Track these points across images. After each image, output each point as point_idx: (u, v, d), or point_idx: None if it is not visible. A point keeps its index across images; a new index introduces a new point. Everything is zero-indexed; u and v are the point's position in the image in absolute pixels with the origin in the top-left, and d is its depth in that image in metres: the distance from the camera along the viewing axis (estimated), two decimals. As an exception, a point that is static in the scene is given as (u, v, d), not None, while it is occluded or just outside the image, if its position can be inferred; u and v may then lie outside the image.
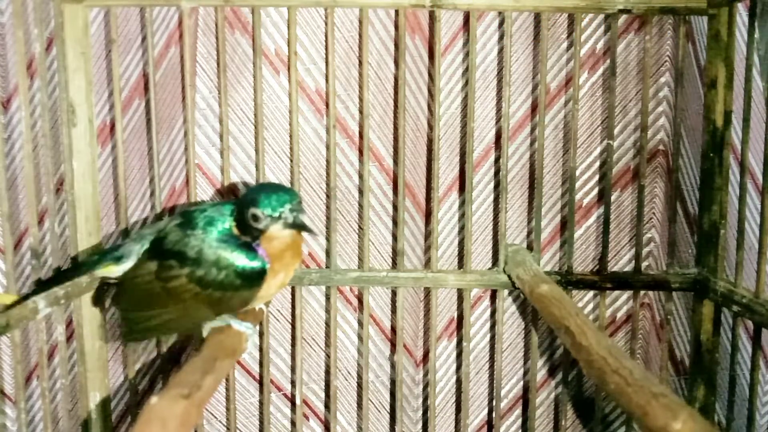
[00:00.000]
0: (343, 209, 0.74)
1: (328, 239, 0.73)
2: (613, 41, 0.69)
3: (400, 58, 0.69)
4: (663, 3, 0.67)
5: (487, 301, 0.77)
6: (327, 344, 0.76)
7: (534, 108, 0.74)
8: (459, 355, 0.78)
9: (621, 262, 0.77)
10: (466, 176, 0.71)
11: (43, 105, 0.63)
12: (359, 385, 0.77)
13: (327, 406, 0.77)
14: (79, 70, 0.67)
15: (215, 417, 0.76)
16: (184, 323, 0.60)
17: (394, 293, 0.75)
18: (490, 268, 0.76)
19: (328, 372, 0.77)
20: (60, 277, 0.63)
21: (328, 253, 0.73)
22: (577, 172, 0.74)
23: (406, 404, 0.77)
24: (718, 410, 0.71)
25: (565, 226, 0.75)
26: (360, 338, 0.76)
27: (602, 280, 0.72)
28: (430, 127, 0.74)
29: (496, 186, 0.75)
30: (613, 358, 0.47)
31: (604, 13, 0.70)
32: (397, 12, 0.70)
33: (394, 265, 0.75)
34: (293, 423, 0.77)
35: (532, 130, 0.74)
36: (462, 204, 0.75)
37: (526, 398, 0.78)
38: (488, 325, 0.77)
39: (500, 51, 0.73)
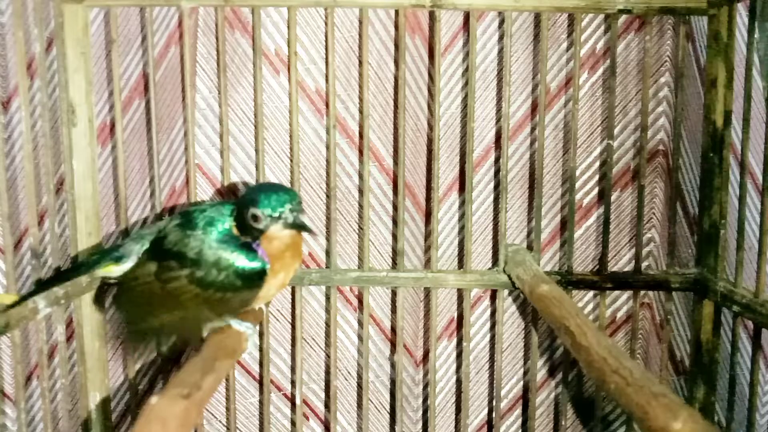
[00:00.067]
0: (343, 209, 0.74)
1: (328, 239, 0.73)
2: (613, 41, 0.69)
3: (400, 58, 0.69)
4: (663, 3, 0.67)
5: (487, 301, 0.77)
6: (327, 344, 0.76)
7: (534, 108, 0.74)
8: (459, 355, 0.78)
9: (621, 262, 0.77)
10: (466, 176, 0.71)
11: (43, 105, 0.63)
12: (359, 385, 0.77)
13: (327, 406, 0.77)
14: (79, 70, 0.67)
15: (215, 417, 0.76)
16: (185, 324, 0.60)
17: (394, 293, 0.75)
18: (490, 268, 0.76)
19: (328, 372, 0.77)
20: (60, 277, 0.63)
21: (328, 253, 0.73)
22: (577, 172, 0.74)
23: (406, 404, 0.77)
24: (718, 410, 0.71)
25: (565, 226, 0.75)
26: (360, 338, 0.76)
27: (602, 280, 0.72)
28: (430, 127, 0.74)
29: (496, 186, 0.75)
30: (613, 358, 0.47)
31: (604, 13, 0.70)
32: (397, 12, 0.70)
33: (394, 265, 0.75)
34: (293, 423, 0.77)
35: (532, 130, 0.74)
36: (462, 204, 0.75)
37: (526, 398, 0.78)
38: (488, 325, 0.77)
39: (500, 51, 0.73)
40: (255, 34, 0.68)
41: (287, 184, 0.72)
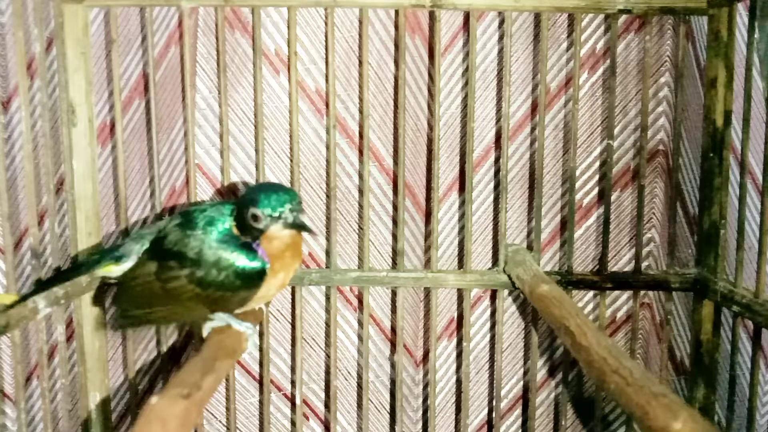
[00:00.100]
0: (343, 209, 0.74)
1: (328, 239, 0.73)
2: (613, 41, 0.69)
3: (400, 58, 0.69)
4: (663, 3, 0.67)
5: (487, 301, 0.77)
6: (327, 344, 0.76)
7: (534, 108, 0.74)
8: (459, 355, 0.78)
9: (621, 262, 0.77)
10: (466, 176, 0.71)
11: (43, 105, 0.63)
12: (359, 385, 0.77)
13: (327, 406, 0.77)
14: (79, 70, 0.67)
15: (215, 417, 0.76)
16: (180, 317, 0.60)
17: (394, 293, 0.75)
18: (490, 268, 0.76)
19: (328, 372, 0.77)
20: (60, 277, 0.63)
21: (328, 253, 0.73)
22: (577, 172, 0.74)
23: (406, 404, 0.77)
24: (718, 410, 0.71)
25: (565, 226, 0.75)
26: (360, 338, 0.76)
27: (602, 280, 0.72)
28: (430, 127, 0.74)
29: (496, 186, 0.75)
30: (613, 358, 0.47)
31: (604, 13, 0.70)
32: (397, 12, 0.70)
33: (394, 265, 0.75)
34: (293, 423, 0.77)
35: (532, 130, 0.74)
36: (462, 204, 0.75)
37: (526, 398, 0.78)
38: (488, 325, 0.77)
39: (500, 51, 0.73)
40: (255, 34, 0.68)
41: (287, 184, 0.72)
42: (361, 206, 0.74)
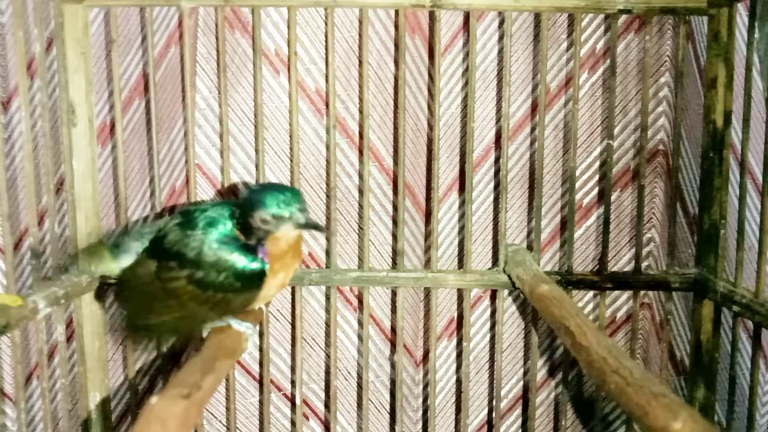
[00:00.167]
0: (343, 209, 0.74)
1: (328, 239, 0.73)
2: (613, 41, 0.69)
3: (400, 58, 0.69)
4: (663, 3, 0.67)
5: (487, 301, 0.77)
6: (327, 344, 0.76)
7: (534, 108, 0.74)
8: (459, 355, 0.78)
9: (621, 262, 0.77)
10: (466, 176, 0.71)
11: (43, 105, 0.63)
12: (359, 385, 0.77)
13: (327, 406, 0.77)
14: (79, 70, 0.67)
15: (215, 417, 0.76)
16: (185, 324, 0.59)
17: (394, 293, 0.75)
18: (490, 268, 0.76)
19: (328, 372, 0.77)
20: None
21: (328, 253, 0.73)
22: (577, 172, 0.74)
23: (406, 404, 0.77)
24: (718, 410, 0.71)
25: (565, 226, 0.75)
26: (360, 338, 0.76)
27: (602, 280, 0.72)
28: (430, 127, 0.74)
29: (496, 186, 0.75)
30: (613, 358, 0.47)
31: (604, 13, 0.70)
32: (397, 12, 0.70)
33: (394, 265, 0.75)
34: (293, 423, 0.77)
35: (532, 130, 0.74)
36: (462, 204, 0.75)
37: (526, 398, 0.78)
38: (488, 325, 0.77)
39: (500, 51, 0.73)
40: (255, 34, 0.68)
41: (287, 184, 0.72)
42: (361, 206, 0.74)
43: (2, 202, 0.59)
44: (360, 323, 0.76)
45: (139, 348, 0.73)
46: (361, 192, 0.74)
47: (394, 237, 0.75)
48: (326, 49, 0.70)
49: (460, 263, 0.76)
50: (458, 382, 0.78)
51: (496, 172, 0.75)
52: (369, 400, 0.76)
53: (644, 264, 0.75)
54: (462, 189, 0.75)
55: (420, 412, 0.79)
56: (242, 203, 0.57)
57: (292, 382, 0.76)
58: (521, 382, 0.79)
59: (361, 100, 0.72)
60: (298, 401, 0.73)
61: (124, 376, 0.74)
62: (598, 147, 0.75)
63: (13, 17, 0.60)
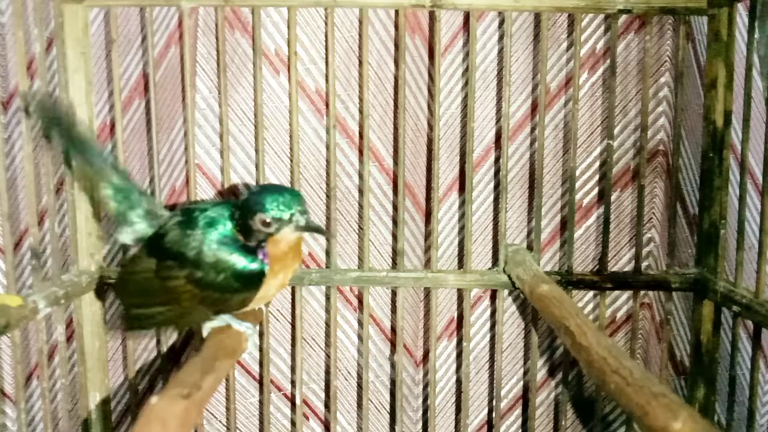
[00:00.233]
0: (343, 209, 0.74)
1: (328, 239, 0.73)
2: (613, 41, 0.69)
3: (400, 58, 0.69)
4: (663, 3, 0.67)
5: (487, 301, 0.77)
6: (327, 344, 0.76)
7: (534, 108, 0.74)
8: (459, 355, 0.78)
9: (621, 262, 0.77)
10: (466, 176, 0.71)
11: (43, 105, 0.63)
12: (359, 385, 0.77)
13: (327, 406, 0.77)
14: (79, 70, 0.67)
15: (215, 417, 0.76)
16: (185, 321, 0.60)
17: (394, 293, 0.75)
18: (490, 268, 0.76)
19: (328, 372, 0.77)
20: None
21: (328, 253, 0.73)
22: (577, 172, 0.74)
23: (406, 404, 0.77)
24: (718, 410, 0.71)
25: (565, 226, 0.75)
26: (360, 338, 0.76)
27: (602, 280, 0.72)
28: (430, 127, 0.74)
29: (496, 186, 0.75)
30: (613, 358, 0.47)
31: (604, 13, 0.70)
32: (397, 12, 0.70)
33: (394, 265, 0.75)
34: (293, 423, 0.77)
35: (532, 130, 0.74)
36: (462, 204, 0.75)
37: (526, 398, 0.78)
38: (488, 325, 0.77)
39: (500, 51, 0.73)
40: (255, 34, 0.68)
41: (287, 184, 0.72)
42: (361, 206, 0.74)
43: (2, 202, 0.59)
44: (360, 323, 0.76)
45: (138, 345, 0.73)
46: (361, 192, 0.74)
47: (394, 237, 0.75)
48: (326, 49, 0.70)
49: (460, 263, 0.76)
50: (458, 382, 0.78)
51: (496, 172, 0.75)
52: (369, 400, 0.76)
53: (644, 264, 0.75)
54: (462, 189, 0.75)
55: (420, 412, 0.79)
56: (241, 205, 0.56)
57: (292, 382, 0.76)
58: (521, 382, 0.79)
59: (361, 100, 0.72)
60: (298, 401, 0.73)
61: (124, 376, 0.74)
62: (598, 147, 0.75)
63: (13, 17, 0.60)
